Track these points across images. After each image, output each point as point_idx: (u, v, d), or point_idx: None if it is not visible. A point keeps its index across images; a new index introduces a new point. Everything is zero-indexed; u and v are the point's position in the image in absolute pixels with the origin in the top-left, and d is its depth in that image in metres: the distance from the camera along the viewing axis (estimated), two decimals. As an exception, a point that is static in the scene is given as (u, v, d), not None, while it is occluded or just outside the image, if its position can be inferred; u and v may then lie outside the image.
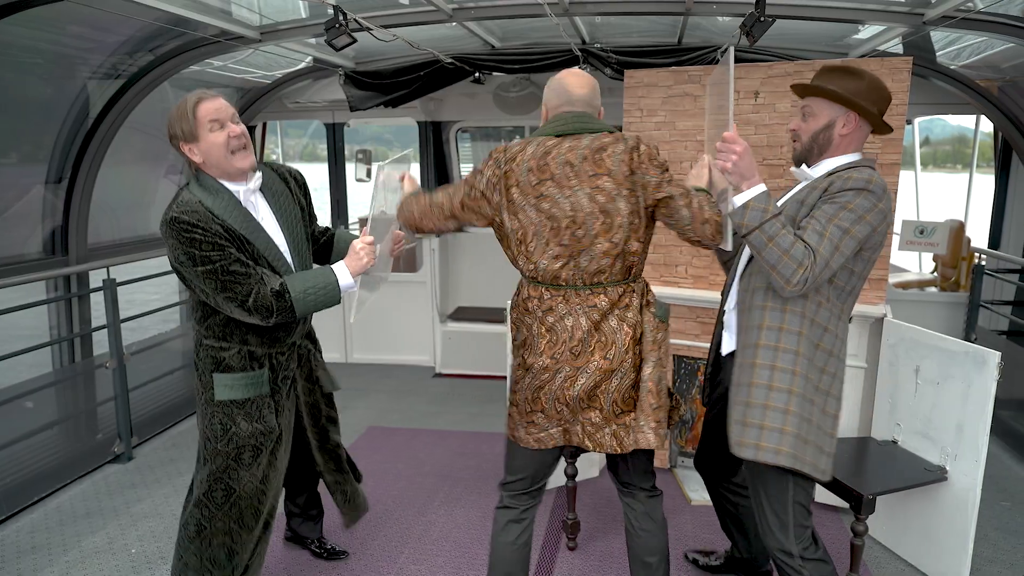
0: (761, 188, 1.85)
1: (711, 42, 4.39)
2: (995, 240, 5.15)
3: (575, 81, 2.10)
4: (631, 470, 2.25)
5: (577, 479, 3.08)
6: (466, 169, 6.27)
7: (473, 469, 3.89)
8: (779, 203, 2.07)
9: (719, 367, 2.34)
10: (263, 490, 2.38)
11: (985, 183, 5.54)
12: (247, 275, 2.07)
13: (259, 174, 2.22)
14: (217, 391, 2.24)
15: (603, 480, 3.74)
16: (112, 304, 3.92)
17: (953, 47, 4.29)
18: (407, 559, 3.02)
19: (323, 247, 2.60)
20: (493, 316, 5.27)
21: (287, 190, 2.35)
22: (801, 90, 2.08)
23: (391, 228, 2.46)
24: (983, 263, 4.84)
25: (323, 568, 2.94)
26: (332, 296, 2.15)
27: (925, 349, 2.90)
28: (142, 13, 3.40)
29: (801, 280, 1.81)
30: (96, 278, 4.11)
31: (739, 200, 1.86)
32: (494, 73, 5.06)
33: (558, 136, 2.04)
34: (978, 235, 5.69)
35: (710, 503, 3.47)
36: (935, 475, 2.75)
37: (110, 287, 3.89)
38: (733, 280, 2.23)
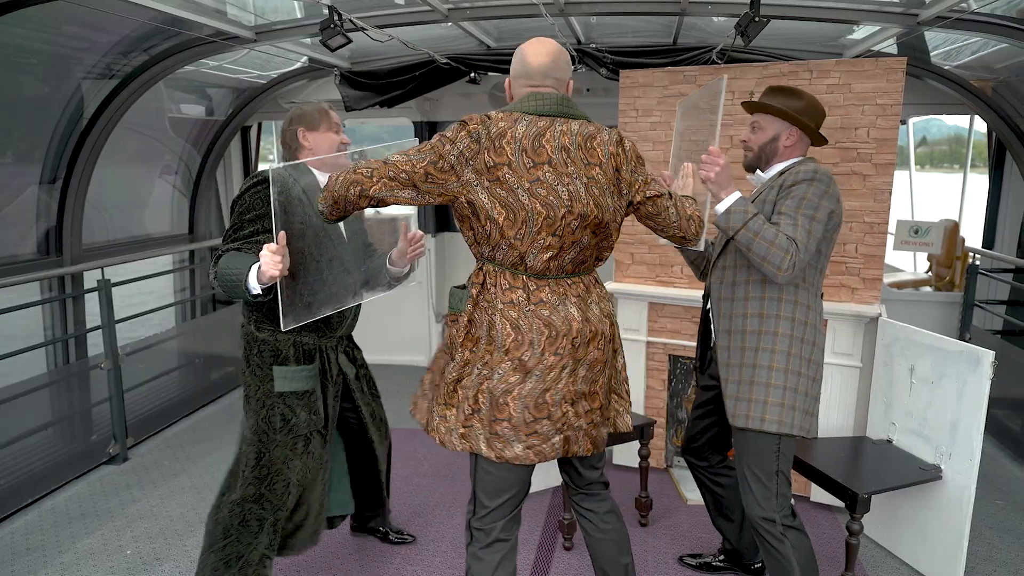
0: (737, 194, 2.14)
1: (706, 42, 4.39)
2: (989, 240, 5.16)
3: (539, 49, 1.95)
4: (598, 466, 2.18)
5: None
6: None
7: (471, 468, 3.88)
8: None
9: (707, 359, 2.59)
10: (314, 481, 2.50)
11: (980, 183, 5.56)
12: (242, 240, 2.19)
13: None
14: (277, 383, 2.35)
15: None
16: (107, 305, 3.90)
17: (947, 47, 4.30)
18: (403, 560, 3.02)
19: None
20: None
21: None
22: (750, 107, 2.37)
23: (393, 226, 2.46)
24: (977, 263, 4.85)
25: (321, 568, 2.93)
26: (239, 289, 2.03)
27: (920, 348, 2.91)
28: (137, 13, 3.39)
29: (790, 265, 2.07)
30: (91, 279, 4.10)
31: (721, 207, 2.14)
32: (489, 73, 5.06)
33: (546, 116, 1.89)
34: (972, 235, 5.71)
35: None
36: (930, 474, 2.76)
37: (105, 288, 3.88)
38: (711, 281, 2.47)
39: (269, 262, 1.93)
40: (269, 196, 2.09)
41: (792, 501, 2.33)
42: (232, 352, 5.32)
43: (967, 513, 2.70)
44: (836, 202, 2.19)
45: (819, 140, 2.36)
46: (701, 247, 2.14)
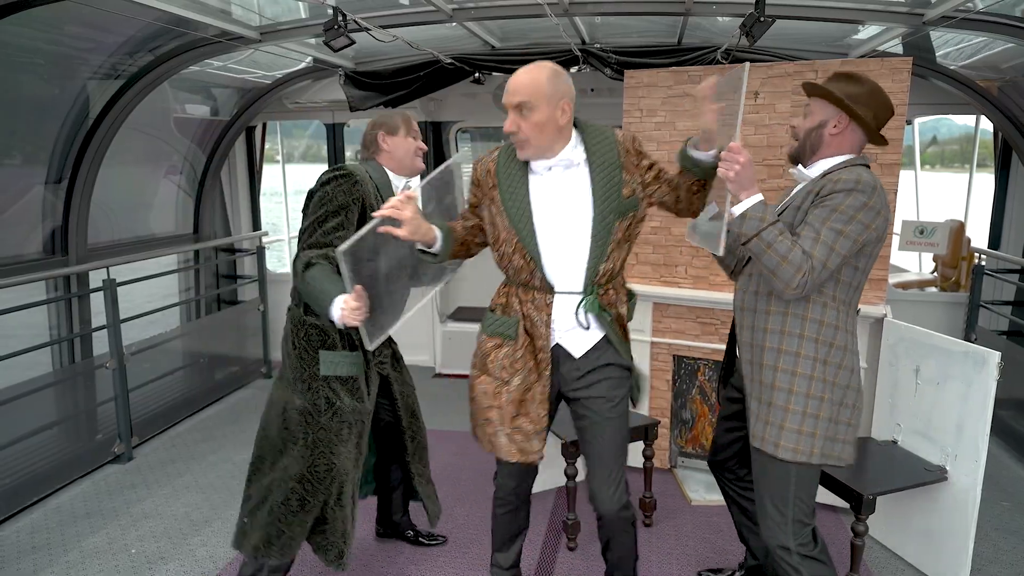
0: (757, 198, 1.93)
1: (711, 42, 4.38)
2: (995, 240, 5.14)
3: None
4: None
5: (577, 479, 3.08)
6: (467, 170, 6.25)
7: (473, 470, 3.89)
8: (779, 207, 2.15)
9: (732, 368, 2.45)
10: (353, 467, 2.49)
11: (987, 183, 5.54)
12: (328, 235, 2.26)
13: (411, 183, 2.59)
14: (323, 367, 2.38)
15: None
16: (112, 304, 3.92)
17: (953, 47, 4.29)
18: (406, 560, 3.02)
19: None
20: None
21: None
22: (807, 89, 2.16)
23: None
24: (983, 263, 4.83)
25: (323, 568, 2.94)
26: (322, 308, 2.15)
27: (925, 349, 2.90)
28: (142, 13, 3.40)
29: (800, 284, 1.91)
30: (96, 278, 4.11)
31: (737, 210, 1.93)
32: (494, 73, 5.05)
33: None
34: (978, 235, 5.69)
35: (710, 503, 3.48)
36: (935, 475, 2.75)
37: (110, 287, 3.89)
38: (739, 283, 2.31)
39: (350, 316, 2.04)
40: (350, 189, 2.30)
41: (815, 527, 2.17)
42: (236, 352, 5.34)
43: (973, 514, 2.69)
44: (876, 215, 1.95)
45: (877, 138, 2.10)
46: (720, 253, 2.00)
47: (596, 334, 2.17)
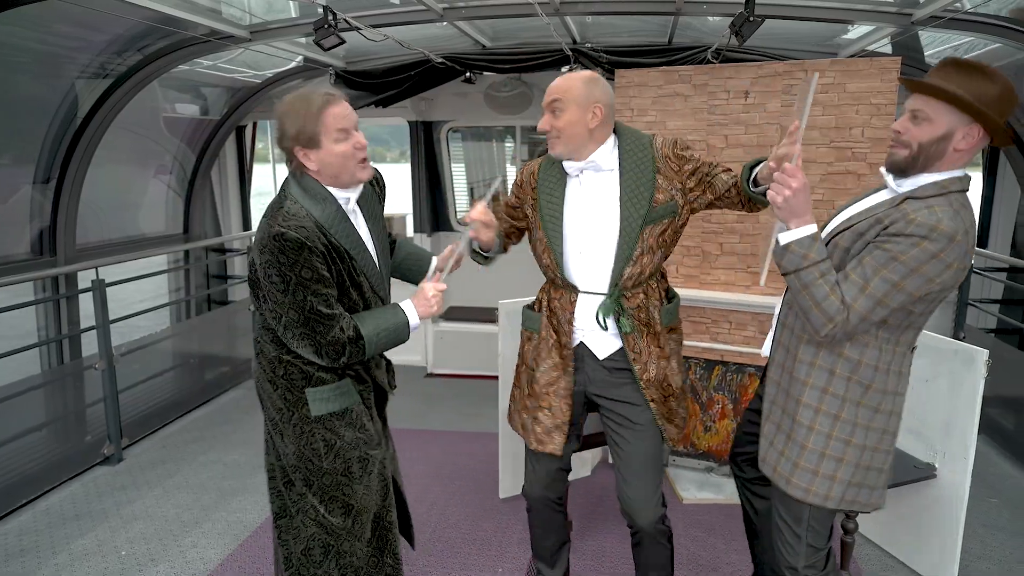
0: (808, 231, 1.70)
1: (701, 42, 4.40)
2: (983, 239, 5.18)
3: None
4: None
5: (570, 478, 3.08)
6: (458, 170, 6.26)
7: (466, 469, 3.89)
8: (851, 214, 1.87)
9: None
10: (385, 504, 2.22)
11: (975, 183, 5.58)
12: (331, 317, 1.91)
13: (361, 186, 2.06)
14: (314, 407, 2.05)
15: (595, 479, 3.75)
16: (101, 305, 3.89)
17: (941, 47, 4.31)
18: (399, 559, 3.01)
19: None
20: (485, 316, 5.27)
21: (373, 194, 2.17)
22: (915, 86, 1.73)
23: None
24: (972, 262, 4.86)
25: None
26: (401, 336, 2.03)
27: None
28: (131, 12, 3.38)
29: (829, 334, 1.73)
30: (85, 279, 4.09)
31: (784, 238, 1.73)
32: (485, 73, 5.05)
33: None
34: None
35: (701, 502, 3.49)
36: (924, 472, 2.77)
37: (99, 288, 3.87)
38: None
39: (441, 301, 2.09)
40: (306, 260, 1.84)
41: (829, 549, 2.05)
42: (226, 352, 5.32)
43: (961, 511, 2.71)
44: (946, 268, 1.64)
45: (1003, 138, 1.71)
46: (761, 284, 1.88)
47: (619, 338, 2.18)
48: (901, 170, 1.76)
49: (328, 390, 2.08)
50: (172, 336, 4.87)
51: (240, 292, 5.87)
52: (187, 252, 5.50)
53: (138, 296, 5.44)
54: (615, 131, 2.16)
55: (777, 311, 2.08)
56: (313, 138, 1.87)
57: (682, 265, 3.65)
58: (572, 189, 2.17)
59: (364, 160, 1.96)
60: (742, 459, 2.35)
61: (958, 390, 2.70)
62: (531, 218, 2.25)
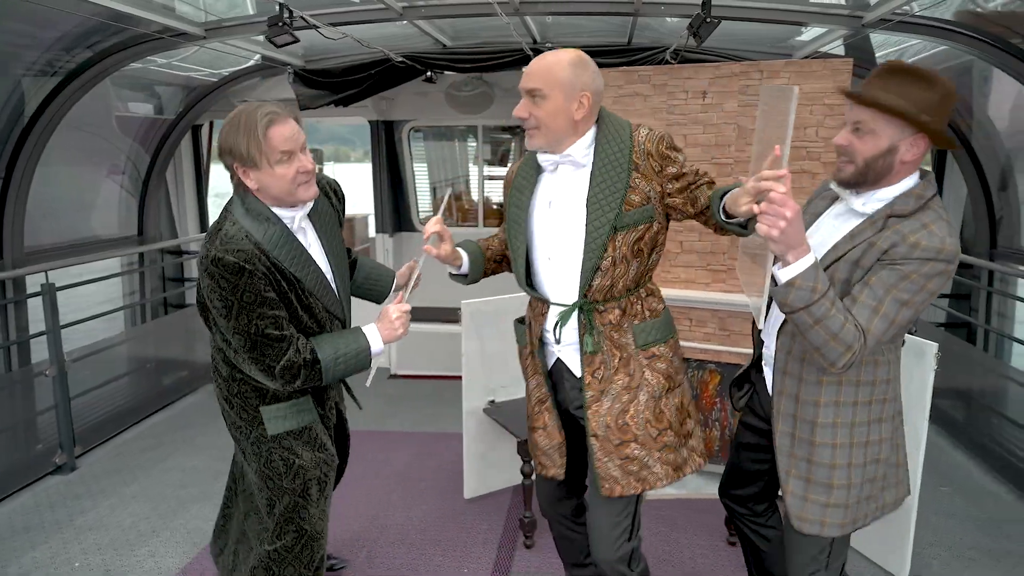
0: (809, 262, 1.55)
1: (660, 42, 4.45)
2: (932, 236, 5.34)
3: None
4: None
5: (533, 477, 3.09)
6: (420, 169, 6.23)
7: (430, 470, 3.87)
8: (831, 244, 1.76)
9: (749, 384, 2.11)
10: (324, 526, 2.18)
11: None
12: (281, 339, 1.85)
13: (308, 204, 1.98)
14: (269, 425, 2.00)
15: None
16: (51, 309, 3.78)
17: (892, 49, 4.43)
18: (363, 562, 2.99)
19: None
20: (448, 316, 5.25)
21: (330, 207, 2.11)
22: (858, 98, 1.65)
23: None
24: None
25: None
26: (363, 362, 1.95)
27: (867, 342, 2.99)
28: (80, 8, 3.29)
29: (846, 364, 1.61)
30: (34, 283, 3.96)
31: (784, 276, 1.56)
32: (446, 72, 5.04)
33: None
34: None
35: (663, 497, 3.53)
36: (878, 463, 2.84)
37: (49, 292, 3.75)
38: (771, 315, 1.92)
39: (406, 323, 2.03)
40: (248, 284, 1.79)
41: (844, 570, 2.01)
42: (184, 356, 5.21)
43: (914, 500, 2.78)
44: (945, 280, 1.62)
45: (945, 141, 1.65)
46: (760, 326, 1.76)
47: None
48: (853, 184, 1.72)
49: (284, 408, 2.02)
50: (127, 341, 4.76)
51: (198, 295, 5.76)
52: (142, 255, 5.37)
53: (91, 300, 5.29)
54: (597, 119, 1.89)
55: (771, 347, 1.90)
56: (253, 159, 1.79)
57: (643, 263, 3.68)
58: (544, 187, 1.93)
59: (308, 181, 1.88)
60: (750, 500, 2.20)
61: (910, 383, 2.77)
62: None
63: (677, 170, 1.83)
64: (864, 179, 1.68)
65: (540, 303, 1.97)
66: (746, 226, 1.65)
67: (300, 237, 1.95)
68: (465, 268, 2.06)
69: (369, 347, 1.95)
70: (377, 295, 2.36)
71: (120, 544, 3.14)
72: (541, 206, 1.94)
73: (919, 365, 2.73)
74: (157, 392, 4.87)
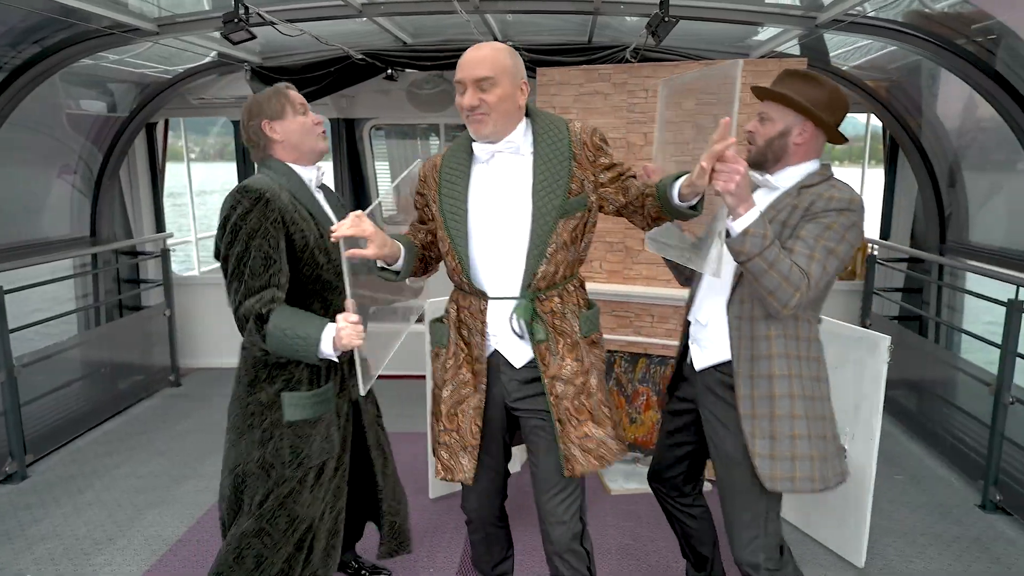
0: (757, 212, 1.77)
1: (620, 41, 4.48)
2: (886, 231, 5.48)
3: None
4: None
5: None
6: (381, 168, 6.18)
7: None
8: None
9: (682, 379, 2.28)
10: (324, 512, 2.21)
11: (878, 177, 5.88)
12: (261, 279, 1.93)
13: (323, 169, 2.24)
14: (288, 411, 2.08)
15: (523, 476, 3.76)
16: (-1, 313, 3.66)
17: (845, 49, 4.53)
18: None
19: None
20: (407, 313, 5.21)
21: (337, 199, 2.31)
22: (761, 93, 2.02)
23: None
24: (875, 253, 5.14)
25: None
26: (307, 354, 1.90)
27: (825, 336, 3.01)
28: (26, 2, 3.19)
29: (797, 304, 1.81)
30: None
31: (738, 226, 1.76)
32: (407, 70, 5.00)
33: None
34: (871, 227, 6.04)
35: (628, 492, 3.57)
36: (835, 454, 2.91)
37: (-4, 295, 3.63)
38: (698, 293, 2.16)
39: (352, 333, 1.84)
40: (262, 212, 1.93)
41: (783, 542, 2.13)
42: (140, 360, 5.09)
43: (869, 489, 2.86)
44: (859, 236, 1.90)
45: (837, 137, 2.02)
46: (718, 275, 1.83)
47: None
48: (758, 163, 2.02)
49: (304, 397, 2.10)
50: (80, 344, 4.62)
51: (155, 297, 5.62)
52: (95, 256, 5.22)
53: (42, 303, 5.14)
54: (527, 112, 1.97)
55: (698, 316, 2.11)
56: (279, 110, 2.11)
57: (605, 260, 3.71)
58: (477, 177, 1.95)
59: (321, 134, 2.18)
60: (677, 479, 2.36)
61: (864, 374, 2.85)
62: (434, 217, 2.02)
63: (609, 161, 1.97)
64: (766, 157, 2.01)
65: (475, 298, 1.98)
66: (696, 207, 1.79)
67: (316, 196, 2.17)
68: (399, 264, 1.96)
69: (319, 343, 1.88)
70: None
71: (75, 553, 3.06)
72: (478, 198, 1.94)
73: (873, 357, 2.80)
74: (112, 397, 4.75)
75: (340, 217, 2.07)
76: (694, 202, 1.77)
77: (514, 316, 1.94)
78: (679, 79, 1.97)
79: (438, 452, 2.09)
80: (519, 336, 1.96)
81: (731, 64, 1.65)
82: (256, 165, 2.19)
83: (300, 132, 2.13)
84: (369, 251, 1.81)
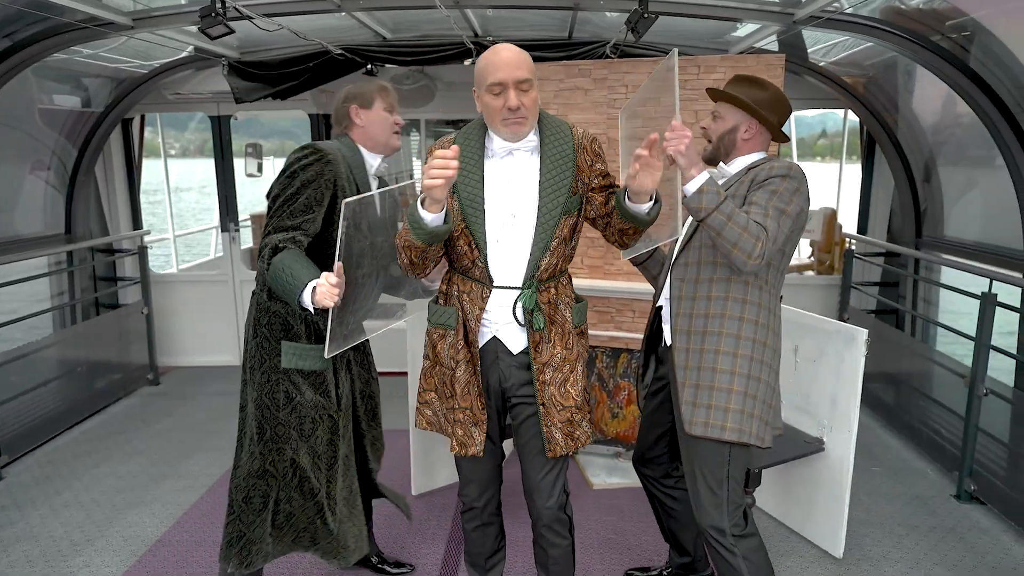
0: (707, 173, 1.94)
1: (600, 37, 4.48)
2: (863, 226, 5.54)
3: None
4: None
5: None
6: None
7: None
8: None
9: (657, 360, 2.44)
10: (325, 466, 2.34)
11: (855, 172, 5.94)
12: (297, 218, 2.14)
13: (387, 164, 2.46)
14: (285, 358, 2.25)
15: (508, 470, 3.77)
16: (-29, 313, 3.59)
17: (822, 45, 4.57)
18: (310, 563, 2.94)
19: None
20: (392, 312, 5.19)
21: (388, 188, 2.36)
22: (713, 95, 2.25)
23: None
24: (853, 247, 5.20)
25: None
26: (291, 295, 1.99)
27: (803, 329, 3.09)
28: (-5, -5, 3.12)
29: (760, 253, 1.93)
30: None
31: (692, 186, 1.93)
32: (387, 65, 4.97)
33: None
34: (849, 221, 6.11)
35: (611, 487, 3.58)
36: (813, 446, 2.94)
37: (-32, 294, 3.57)
38: (665, 279, 2.30)
39: (327, 293, 1.90)
40: (321, 168, 2.17)
41: (746, 506, 2.24)
42: (118, 358, 5.03)
43: (847, 481, 2.90)
44: (806, 201, 2.08)
45: (780, 136, 2.24)
46: (679, 233, 1.97)
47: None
48: (713, 158, 2.25)
49: (303, 348, 2.26)
50: (56, 344, 4.56)
51: (132, 295, 5.54)
52: (70, 254, 5.14)
53: (15, 302, 5.06)
54: None
55: (666, 294, 2.27)
56: (370, 100, 2.33)
57: (587, 256, 3.72)
58: (492, 170, 2.03)
59: (399, 134, 2.41)
60: (661, 458, 2.53)
61: (842, 368, 2.88)
62: (451, 203, 2.03)
63: (603, 168, 2.09)
64: (718, 151, 2.24)
65: (479, 284, 2.07)
66: (651, 212, 1.91)
67: (372, 182, 2.37)
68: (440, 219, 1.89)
69: (303, 287, 1.96)
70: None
71: (52, 555, 3.02)
72: (492, 190, 2.02)
73: (850, 350, 2.84)
74: (89, 396, 4.69)
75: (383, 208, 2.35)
76: (648, 205, 1.90)
77: (519, 304, 2.04)
78: (632, 99, 2.16)
79: (453, 429, 2.13)
80: (520, 324, 2.05)
81: (668, 56, 1.80)
82: (332, 136, 2.41)
83: (381, 126, 2.35)
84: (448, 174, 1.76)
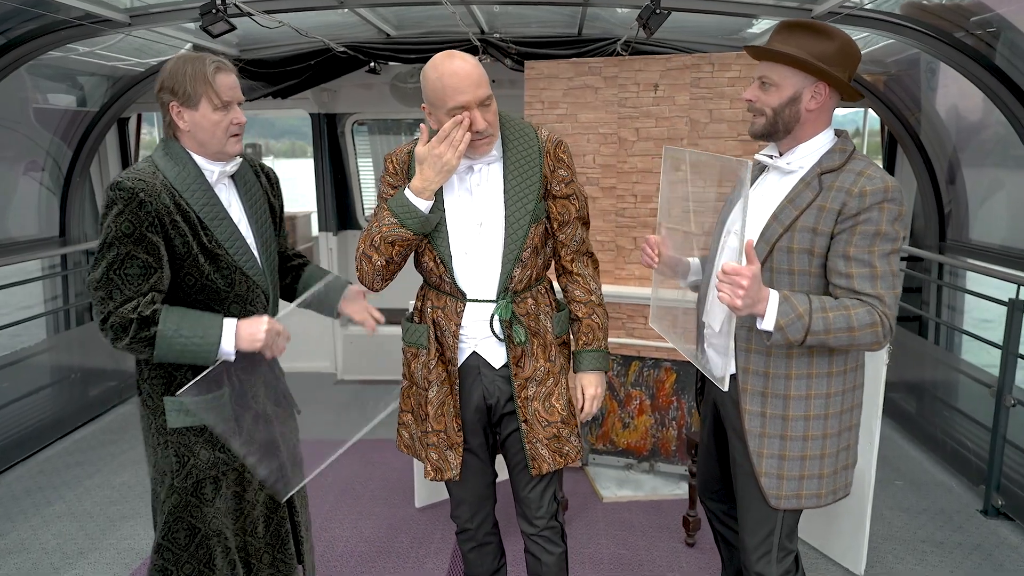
0: (776, 300, 1.61)
1: (611, 33, 4.37)
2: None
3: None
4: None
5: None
6: (364, 165, 6.03)
7: (379, 480, 3.72)
8: (769, 211, 1.78)
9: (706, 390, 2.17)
10: (234, 526, 2.05)
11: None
12: (139, 284, 1.74)
13: (239, 159, 1.96)
14: (170, 418, 1.89)
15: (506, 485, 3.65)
16: (-39, 318, 3.49)
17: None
18: None
19: (289, 272, 2.23)
20: (395, 318, 5.09)
21: (258, 185, 2.07)
22: (758, 54, 1.76)
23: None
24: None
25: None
26: (203, 356, 1.77)
27: (823, 337, 2.96)
28: (-15, -10, 3.02)
29: (884, 335, 1.63)
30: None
31: (768, 325, 1.62)
32: (390, 63, 4.87)
33: None
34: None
35: (621, 500, 3.47)
36: (836, 461, 2.82)
37: (-43, 299, 3.46)
38: (709, 294, 1.90)
39: (274, 347, 1.84)
40: (135, 214, 1.72)
41: (797, 552, 2.04)
42: (113, 365, 4.92)
43: (868, 495, 2.78)
44: (904, 224, 1.71)
45: (853, 94, 1.75)
46: (724, 388, 1.76)
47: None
48: (766, 136, 1.79)
49: (189, 403, 1.88)
50: (49, 349, 4.46)
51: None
52: (64, 256, 5.04)
53: (8, 306, 4.96)
54: None
55: (728, 329, 1.81)
56: (193, 98, 1.81)
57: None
58: (450, 185, 1.93)
59: (238, 135, 1.89)
60: (722, 493, 2.23)
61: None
62: None
63: (568, 176, 1.98)
64: (775, 128, 1.76)
65: (452, 299, 1.98)
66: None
67: (218, 191, 1.91)
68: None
69: (219, 342, 1.75)
70: (292, 294, 2.21)
71: (44, 568, 2.92)
72: (455, 201, 1.94)
73: (871, 359, 2.71)
74: (83, 404, 4.58)
75: (256, 206, 2.01)
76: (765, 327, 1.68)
77: (495, 318, 1.95)
78: (683, 152, 1.92)
79: (427, 453, 2.05)
80: (499, 338, 1.97)
81: (739, 163, 1.55)
82: (161, 142, 1.92)
83: (209, 129, 1.84)
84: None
